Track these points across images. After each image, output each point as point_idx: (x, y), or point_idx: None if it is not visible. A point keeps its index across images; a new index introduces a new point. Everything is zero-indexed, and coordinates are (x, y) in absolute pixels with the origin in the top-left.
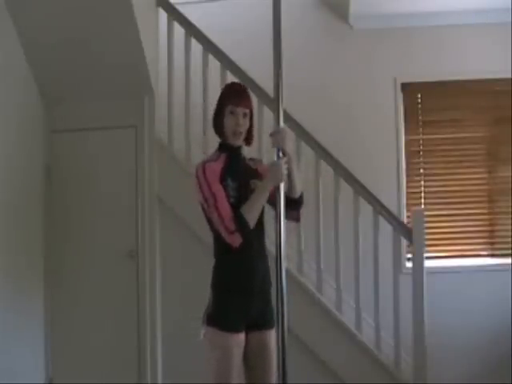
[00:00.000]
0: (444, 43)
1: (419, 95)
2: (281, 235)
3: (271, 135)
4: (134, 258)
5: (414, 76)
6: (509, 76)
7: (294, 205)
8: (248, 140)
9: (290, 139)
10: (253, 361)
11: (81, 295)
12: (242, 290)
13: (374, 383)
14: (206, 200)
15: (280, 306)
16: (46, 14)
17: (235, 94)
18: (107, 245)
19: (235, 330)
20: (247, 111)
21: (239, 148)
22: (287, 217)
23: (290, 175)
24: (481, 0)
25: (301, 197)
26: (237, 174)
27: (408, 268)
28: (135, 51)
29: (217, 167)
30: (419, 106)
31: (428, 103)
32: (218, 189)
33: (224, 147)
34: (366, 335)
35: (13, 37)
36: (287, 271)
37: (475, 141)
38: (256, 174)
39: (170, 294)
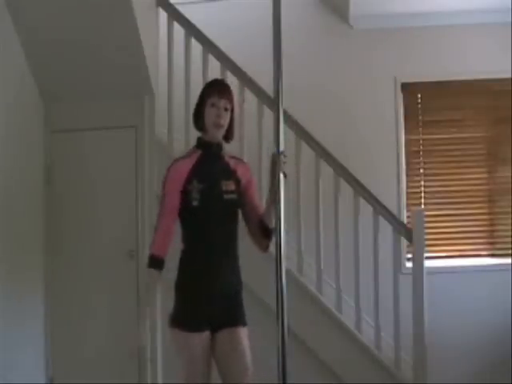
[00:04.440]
0: (444, 43)
1: (419, 95)
2: (281, 235)
3: (272, 162)
4: (133, 257)
5: (414, 76)
6: (509, 76)
7: (267, 232)
8: (227, 137)
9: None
10: (224, 360)
11: (81, 295)
12: (198, 290)
13: (374, 383)
14: (159, 202)
15: (280, 305)
16: (46, 14)
17: (217, 88)
18: (107, 245)
19: (195, 329)
20: (228, 106)
21: (217, 145)
22: (256, 243)
23: (274, 201)
24: (481, 0)
25: (272, 229)
26: (206, 174)
27: (408, 268)
28: (135, 51)
29: (185, 167)
30: (419, 105)
31: (428, 103)
32: (171, 200)
33: (201, 143)
34: (366, 335)
35: (13, 37)
36: (287, 271)
37: (475, 141)
38: (231, 175)
39: (170, 294)
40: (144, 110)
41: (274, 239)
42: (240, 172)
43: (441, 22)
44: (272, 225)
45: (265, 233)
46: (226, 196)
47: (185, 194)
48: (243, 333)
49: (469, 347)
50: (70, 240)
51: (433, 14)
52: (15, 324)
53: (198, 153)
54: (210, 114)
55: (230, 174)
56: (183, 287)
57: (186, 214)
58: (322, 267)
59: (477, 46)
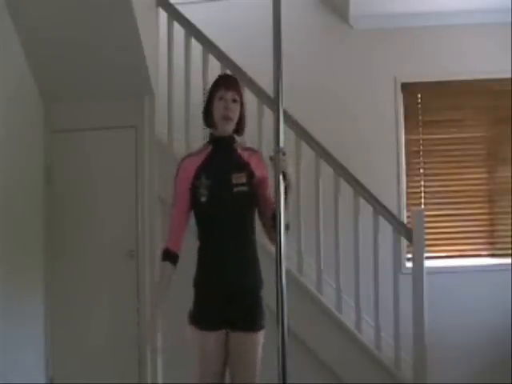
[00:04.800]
0: (444, 43)
1: (419, 95)
2: (281, 236)
3: (272, 159)
4: (133, 257)
5: (414, 76)
6: (509, 76)
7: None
8: (238, 130)
9: (291, 163)
10: (232, 361)
11: (81, 295)
12: (210, 288)
13: (374, 383)
14: (172, 197)
15: (280, 305)
16: (46, 14)
17: (224, 82)
18: (107, 245)
19: (208, 327)
20: (237, 97)
21: (228, 139)
22: (269, 238)
23: (285, 199)
24: (481, 0)
25: (287, 226)
26: (215, 169)
27: (408, 268)
28: (135, 51)
29: (193, 164)
30: (419, 105)
31: (428, 103)
32: (181, 199)
33: (212, 138)
34: (366, 335)
35: (13, 36)
36: (287, 271)
37: (475, 141)
38: (244, 168)
39: (170, 294)
40: (144, 110)
41: (274, 239)
42: (254, 165)
43: (441, 22)
44: (285, 220)
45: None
46: (236, 189)
47: (194, 190)
48: (256, 338)
49: (469, 347)
50: (69, 240)
51: (433, 13)
52: (15, 324)
53: (209, 148)
54: (218, 107)
55: (243, 167)
56: (198, 285)
57: (197, 210)
58: (322, 267)
59: (477, 46)
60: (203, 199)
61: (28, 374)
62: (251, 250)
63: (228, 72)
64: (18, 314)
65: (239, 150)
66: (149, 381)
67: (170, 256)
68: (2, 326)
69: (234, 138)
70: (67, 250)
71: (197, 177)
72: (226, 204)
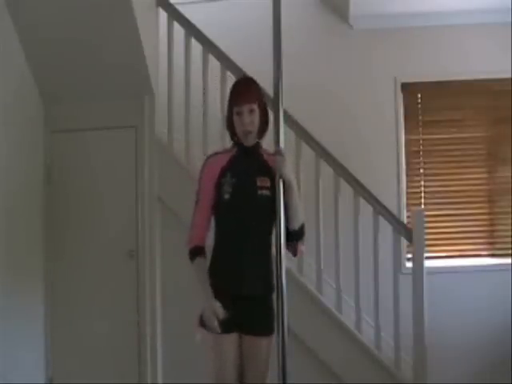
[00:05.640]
0: (444, 43)
1: (419, 95)
2: (281, 235)
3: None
4: (133, 257)
5: (414, 76)
6: (509, 76)
7: (290, 237)
8: (260, 132)
9: (291, 169)
10: (244, 363)
11: (81, 295)
12: (226, 290)
13: (374, 383)
14: (196, 194)
15: (280, 306)
16: (46, 14)
17: (237, 93)
18: (107, 245)
19: (222, 330)
20: (254, 107)
21: (253, 146)
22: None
23: (287, 204)
24: (481, 0)
25: (300, 229)
26: (241, 169)
27: (408, 268)
28: (135, 51)
29: (219, 162)
30: (419, 105)
31: (428, 103)
32: (206, 195)
33: (238, 143)
34: (366, 335)
35: (13, 37)
36: (287, 271)
37: (475, 141)
38: (268, 172)
39: (170, 294)
40: (144, 110)
41: (275, 240)
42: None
43: (441, 22)
44: (293, 226)
45: (288, 237)
46: (260, 192)
47: (218, 187)
48: (269, 341)
49: (469, 347)
50: (69, 240)
51: (433, 13)
52: (15, 324)
53: (234, 151)
54: (237, 123)
55: (268, 171)
56: (211, 285)
57: (219, 208)
58: (322, 267)
59: (477, 46)
60: (226, 196)
61: (28, 374)
62: (267, 253)
63: (228, 72)
64: (18, 313)
65: (265, 156)
66: (149, 381)
67: (197, 252)
68: (2, 326)
69: (259, 144)
70: (67, 249)
71: (222, 175)
72: (249, 205)
